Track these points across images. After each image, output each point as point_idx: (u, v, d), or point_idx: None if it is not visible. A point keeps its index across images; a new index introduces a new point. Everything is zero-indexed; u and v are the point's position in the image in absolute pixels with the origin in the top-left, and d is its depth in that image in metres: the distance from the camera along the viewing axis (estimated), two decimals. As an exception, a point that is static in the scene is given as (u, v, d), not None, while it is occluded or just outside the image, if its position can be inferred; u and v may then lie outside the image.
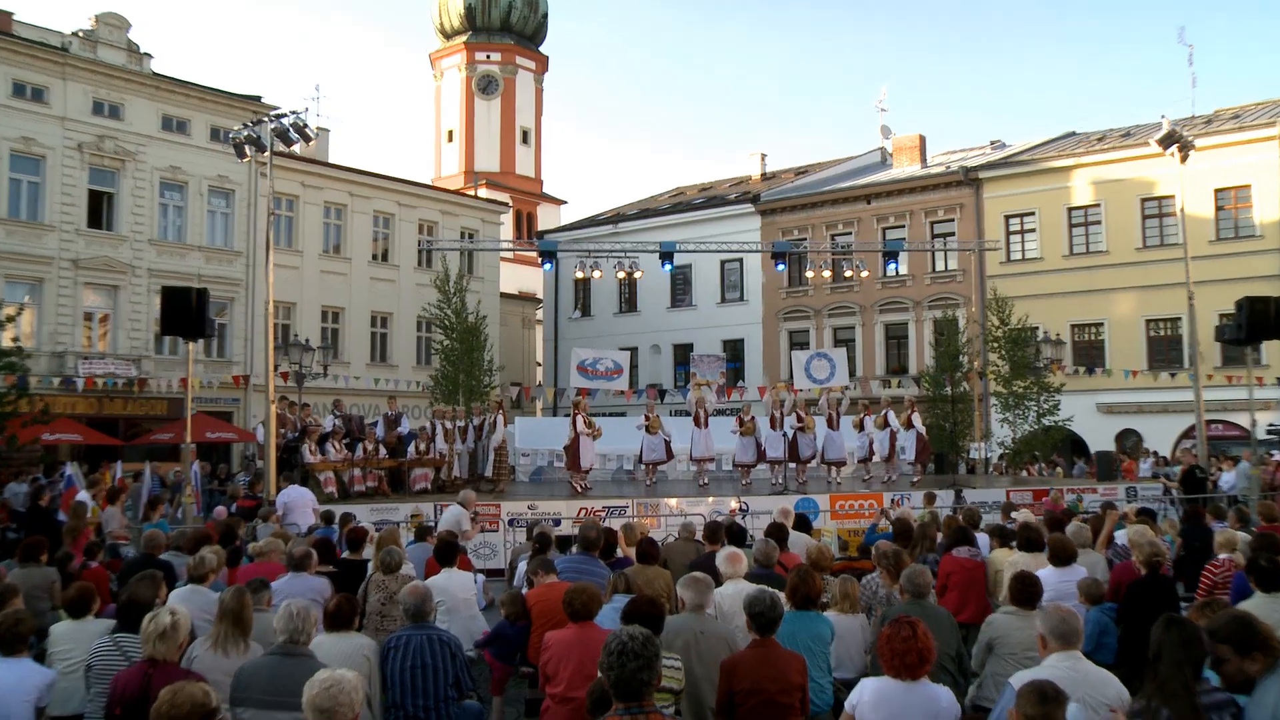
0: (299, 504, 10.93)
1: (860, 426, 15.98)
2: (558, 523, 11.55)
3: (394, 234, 29.51)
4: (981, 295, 24.77)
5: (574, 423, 14.70)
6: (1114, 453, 19.40)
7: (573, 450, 14.68)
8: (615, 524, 8.82)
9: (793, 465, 15.56)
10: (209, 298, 11.77)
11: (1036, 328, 23.65)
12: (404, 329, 29.31)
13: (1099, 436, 23.70)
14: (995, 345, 22.40)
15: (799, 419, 15.39)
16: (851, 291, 28.69)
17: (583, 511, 13.11)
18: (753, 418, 15.63)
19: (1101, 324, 25.08)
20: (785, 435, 15.22)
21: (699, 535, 7.80)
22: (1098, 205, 25.38)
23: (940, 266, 27.88)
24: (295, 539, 7.39)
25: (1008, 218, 26.63)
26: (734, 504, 13.49)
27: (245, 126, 13.31)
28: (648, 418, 15.85)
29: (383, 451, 14.53)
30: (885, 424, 15.89)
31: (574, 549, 6.78)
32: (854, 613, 5.36)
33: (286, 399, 15.66)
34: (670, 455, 15.71)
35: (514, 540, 11.54)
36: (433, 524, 9.94)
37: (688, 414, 17.29)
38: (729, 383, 25.40)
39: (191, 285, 13.48)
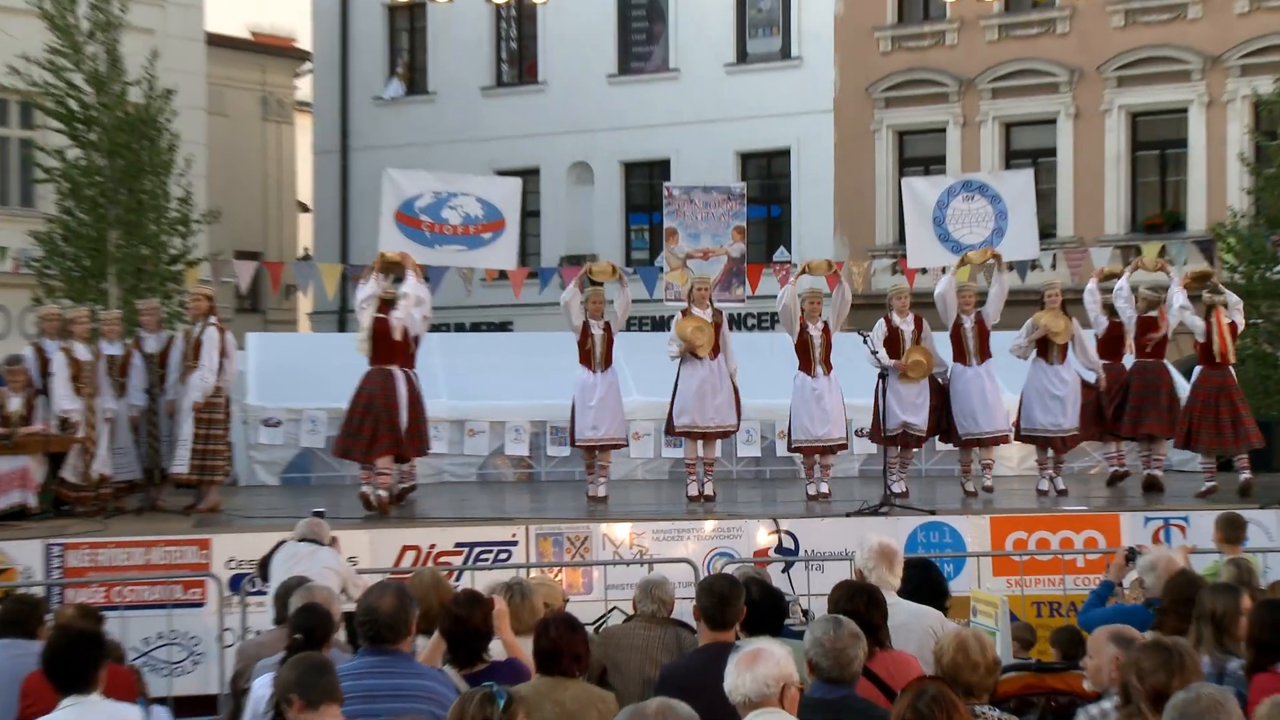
0: None
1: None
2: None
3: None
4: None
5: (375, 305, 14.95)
6: None
7: (383, 405, 14.84)
8: (485, 584, 8.74)
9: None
10: None
11: None
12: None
13: None
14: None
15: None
16: (1047, 34, 28.81)
17: (410, 555, 13.24)
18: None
19: None
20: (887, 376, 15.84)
21: (678, 609, 8.04)
22: None
23: (1268, -24, 27.94)
24: None
25: None
26: (766, 533, 13.88)
27: None
28: (587, 327, 15.97)
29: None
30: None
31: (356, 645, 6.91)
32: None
33: None
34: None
35: (242, 626, 11.66)
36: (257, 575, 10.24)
37: (656, 325, 17.26)
38: (753, 254, 25.19)
39: None
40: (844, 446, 16.73)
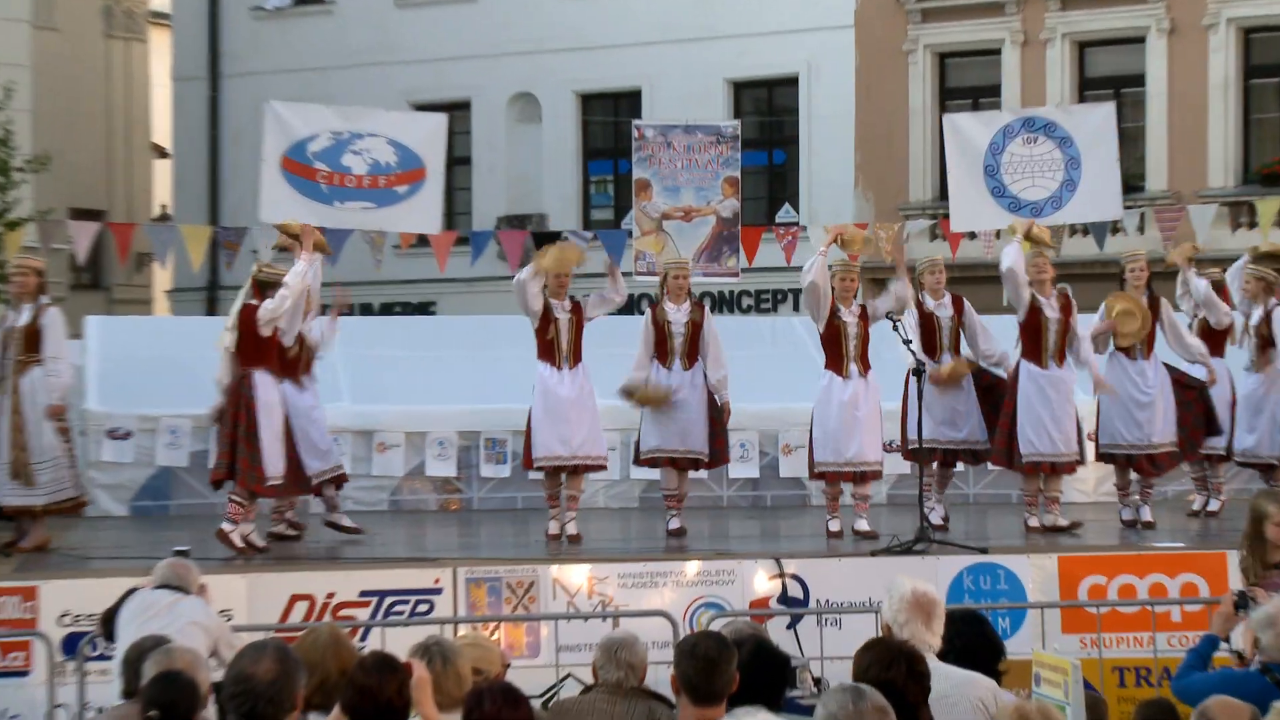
0: None
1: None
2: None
3: None
4: None
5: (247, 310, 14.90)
6: None
7: (231, 420, 14.81)
8: (400, 645, 8.83)
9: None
10: None
11: None
12: None
13: None
14: None
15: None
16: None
17: (302, 606, 13.21)
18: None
19: None
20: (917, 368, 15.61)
21: (652, 677, 8.07)
22: None
23: None
24: None
25: None
26: (766, 577, 13.93)
27: None
28: (549, 311, 15.90)
29: None
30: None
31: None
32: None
33: None
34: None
35: (80, 700, 11.58)
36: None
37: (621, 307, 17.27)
38: (749, 214, 25.17)
39: None
40: (879, 475, 16.41)
